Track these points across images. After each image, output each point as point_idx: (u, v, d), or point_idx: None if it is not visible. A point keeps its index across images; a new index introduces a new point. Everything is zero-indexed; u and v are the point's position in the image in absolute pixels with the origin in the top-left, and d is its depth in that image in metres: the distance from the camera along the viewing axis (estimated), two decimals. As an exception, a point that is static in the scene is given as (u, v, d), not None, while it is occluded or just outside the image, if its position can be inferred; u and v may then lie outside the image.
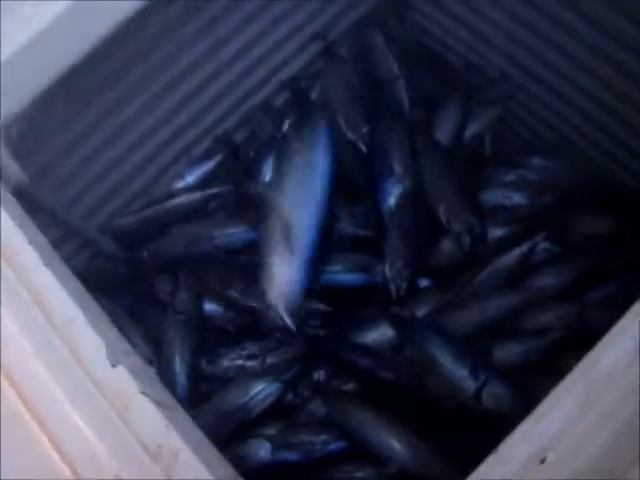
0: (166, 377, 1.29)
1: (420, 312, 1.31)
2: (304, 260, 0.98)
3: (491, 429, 0.80)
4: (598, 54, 1.31)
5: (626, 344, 0.65)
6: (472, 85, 1.58)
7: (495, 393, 1.16)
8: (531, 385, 1.11)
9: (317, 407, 1.27)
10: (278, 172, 0.97)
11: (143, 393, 0.70)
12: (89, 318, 0.74)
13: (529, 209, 1.41)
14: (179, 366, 1.31)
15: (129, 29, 0.98)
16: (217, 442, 0.79)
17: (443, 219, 1.34)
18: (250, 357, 1.32)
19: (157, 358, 1.34)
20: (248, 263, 1.41)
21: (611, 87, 1.33)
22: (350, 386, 1.29)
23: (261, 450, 1.21)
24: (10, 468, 0.67)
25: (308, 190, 0.99)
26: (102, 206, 1.46)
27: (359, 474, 1.19)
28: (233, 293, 1.38)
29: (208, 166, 1.57)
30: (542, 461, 0.61)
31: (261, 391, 1.25)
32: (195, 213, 1.52)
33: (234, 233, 1.43)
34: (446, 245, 1.36)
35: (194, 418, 0.79)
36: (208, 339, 1.38)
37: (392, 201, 1.36)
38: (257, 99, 1.60)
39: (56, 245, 0.89)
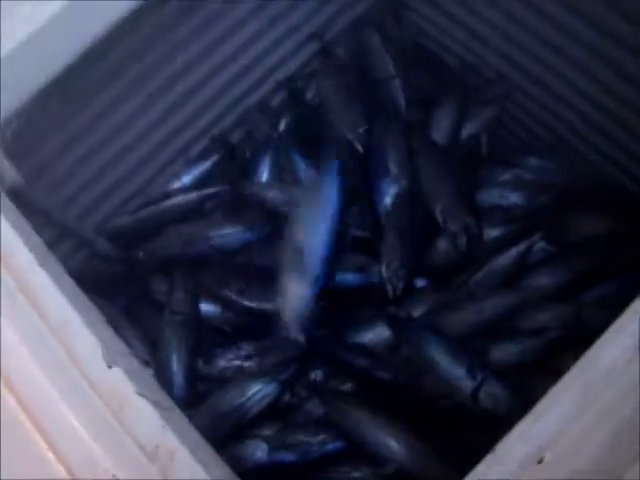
0: (163, 378, 1.29)
1: (416, 312, 1.31)
2: (314, 281, 1.09)
3: (488, 429, 0.81)
4: (595, 54, 1.31)
5: (624, 343, 0.65)
6: (468, 85, 1.58)
7: (492, 393, 1.16)
8: (528, 385, 1.11)
9: (314, 407, 1.27)
10: (293, 204, 1.12)
11: (139, 394, 0.70)
12: (85, 319, 0.74)
13: (526, 209, 1.41)
14: (176, 366, 1.31)
15: (124, 29, 0.98)
16: (214, 443, 0.79)
17: (439, 219, 1.34)
18: (247, 357, 1.32)
19: (153, 359, 1.34)
20: (244, 263, 1.41)
21: (611, 89, 1.34)
22: (347, 386, 1.29)
23: (258, 450, 1.21)
24: (6, 469, 0.67)
25: (319, 221, 1.11)
26: (98, 206, 1.46)
27: (356, 474, 1.19)
28: (229, 293, 1.37)
29: (204, 166, 1.57)
30: (540, 461, 0.61)
31: (258, 391, 1.25)
32: (191, 213, 1.52)
33: (230, 233, 1.43)
34: (442, 245, 1.36)
35: (191, 419, 0.79)
36: (205, 339, 1.38)
37: (388, 201, 1.36)
38: (253, 99, 1.60)
39: (51, 246, 0.88)
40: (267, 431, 1.24)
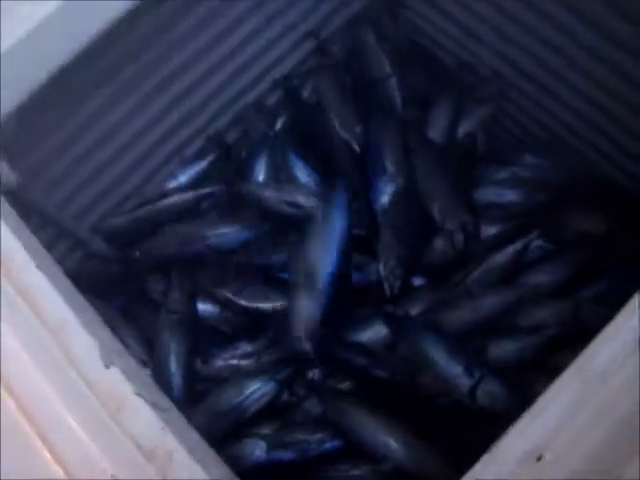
0: (160, 377, 1.28)
1: (414, 311, 1.31)
2: (323, 300, 1.19)
3: (486, 426, 0.80)
4: (590, 52, 1.31)
5: (622, 340, 0.65)
6: (464, 83, 1.58)
7: (490, 391, 1.16)
8: (526, 382, 1.11)
9: (313, 406, 1.27)
10: (305, 233, 1.25)
11: (137, 394, 0.69)
12: (82, 319, 0.74)
13: (522, 207, 1.41)
14: (173, 366, 1.31)
15: (120, 29, 0.98)
16: (213, 442, 0.79)
17: (436, 217, 1.34)
18: (245, 356, 1.32)
19: (151, 358, 1.33)
20: (241, 263, 1.41)
21: (605, 86, 1.34)
22: (345, 385, 1.29)
23: (257, 449, 1.21)
24: (4, 469, 0.66)
25: (328, 247, 1.23)
26: (94, 206, 1.46)
27: (355, 472, 1.19)
28: (226, 293, 1.37)
29: (200, 166, 1.57)
30: (538, 459, 0.61)
31: (256, 390, 1.25)
32: (187, 213, 1.51)
33: (227, 233, 1.43)
34: (439, 243, 1.36)
35: (189, 418, 0.79)
36: (202, 339, 1.38)
37: (385, 200, 1.36)
38: (250, 98, 1.60)
39: (48, 246, 0.88)
40: (265, 430, 1.24)
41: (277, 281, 1.38)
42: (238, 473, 0.77)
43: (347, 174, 1.44)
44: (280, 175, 1.51)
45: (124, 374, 0.71)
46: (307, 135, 1.56)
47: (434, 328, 1.26)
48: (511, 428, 0.64)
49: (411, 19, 1.64)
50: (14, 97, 0.93)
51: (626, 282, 0.71)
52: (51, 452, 0.67)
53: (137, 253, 1.46)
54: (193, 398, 1.29)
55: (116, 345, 0.81)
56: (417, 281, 1.39)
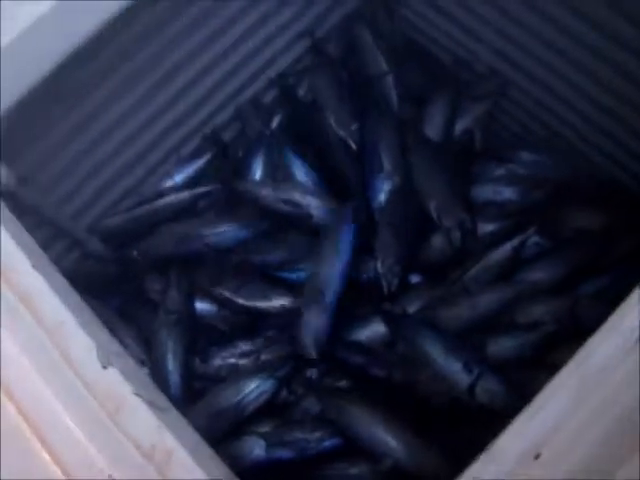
0: (158, 377, 1.28)
1: (411, 308, 1.32)
2: (330, 314, 1.27)
3: (485, 424, 0.80)
4: (590, 49, 1.30)
5: (619, 337, 0.65)
6: (461, 81, 1.57)
7: (489, 388, 1.16)
8: (524, 380, 1.11)
9: (311, 404, 1.27)
10: (315, 254, 1.33)
11: (135, 394, 0.69)
12: (79, 320, 0.74)
13: (519, 204, 1.41)
14: (171, 366, 1.31)
15: (115, 28, 0.98)
16: (211, 440, 0.79)
17: (434, 215, 1.34)
18: (243, 355, 1.32)
19: (149, 358, 1.33)
20: (239, 262, 1.41)
21: (609, 86, 1.33)
22: (343, 383, 1.29)
23: (256, 448, 1.21)
24: (2, 470, 0.66)
25: (335, 268, 1.30)
26: (91, 206, 1.46)
27: (353, 470, 1.19)
28: (224, 292, 1.37)
29: (197, 165, 1.57)
30: (536, 457, 0.61)
31: (255, 389, 1.25)
32: (184, 212, 1.51)
33: (225, 231, 1.43)
34: (437, 241, 1.36)
35: (187, 417, 0.79)
36: (200, 337, 1.38)
37: (382, 197, 1.37)
38: (245, 96, 1.59)
39: (45, 246, 0.88)
40: (264, 428, 1.24)
41: (275, 280, 1.38)
42: (237, 471, 0.76)
43: (344, 172, 1.45)
44: (277, 173, 1.51)
45: (122, 374, 0.71)
46: (303, 133, 1.56)
47: (432, 325, 1.26)
48: (509, 426, 0.64)
49: (406, 16, 1.63)
50: (11, 95, 0.93)
51: (626, 281, 0.71)
52: (50, 453, 0.67)
53: (134, 253, 1.46)
54: (191, 397, 1.29)
55: (114, 345, 0.81)
56: (415, 278, 1.40)
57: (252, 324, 1.39)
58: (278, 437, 1.22)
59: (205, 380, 1.33)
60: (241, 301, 1.36)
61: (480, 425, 0.98)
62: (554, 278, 1.31)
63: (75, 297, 0.83)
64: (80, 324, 0.74)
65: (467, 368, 1.17)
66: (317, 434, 1.21)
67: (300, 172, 1.48)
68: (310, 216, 1.39)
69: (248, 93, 1.60)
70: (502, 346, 1.25)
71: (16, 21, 0.90)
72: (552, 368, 0.66)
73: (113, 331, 0.84)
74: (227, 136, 1.62)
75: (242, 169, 1.54)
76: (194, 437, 0.77)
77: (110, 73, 1.29)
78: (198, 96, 1.50)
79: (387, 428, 1.17)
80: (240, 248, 1.42)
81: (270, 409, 1.27)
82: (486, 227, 1.36)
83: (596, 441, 0.62)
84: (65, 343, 0.72)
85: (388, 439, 1.15)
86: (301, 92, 1.64)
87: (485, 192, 1.42)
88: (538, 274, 1.33)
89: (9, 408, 0.69)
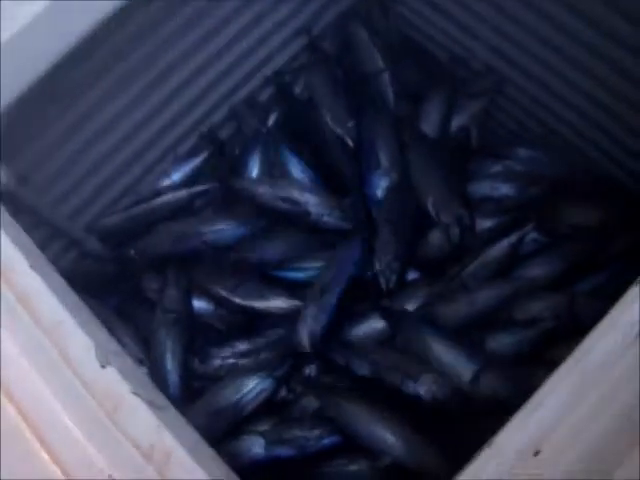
0: (157, 376, 1.28)
1: (410, 305, 1.31)
2: (330, 314, 1.28)
3: (485, 420, 0.80)
4: (586, 46, 1.30)
5: (619, 333, 0.65)
6: (457, 78, 1.57)
7: (493, 377, 1.16)
8: (523, 376, 1.11)
9: (309, 402, 1.27)
10: (328, 258, 1.37)
11: (134, 393, 0.69)
12: (77, 319, 0.74)
13: (517, 200, 1.41)
14: (170, 365, 1.30)
15: (110, 28, 0.98)
16: (210, 439, 0.79)
17: (432, 211, 1.34)
18: (243, 355, 1.32)
19: (147, 357, 1.33)
20: (237, 260, 1.41)
21: (605, 83, 1.33)
22: (341, 380, 1.29)
23: (255, 446, 1.21)
24: (1, 471, 0.66)
25: (340, 274, 1.32)
26: (88, 206, 1.45)
27: (353, 467, 1.19)
28: (221, 291, 1.37)
29: (194, 163, 1.57)
30: (536, 453, 0.61)
31: (254, 387, 1.25)
32: (181, 211, 1.51)
33: (223, 229, 1.43)
34: (435, 237, 1.36)
35: (186, 416, 0.79)
36: (198, 336, 1.38)
37: (379, 194, 1.36)
38: (241, 95, 1.59)
39: (42, 246, 0.88)
40: (263, 426, 1.24)
41: (272, 279, 1.38)
42: (236, 469, 0.76)
43: (340, 169, 1.45)
44: (274, 171, 1.51)
45: (121, 373, 0.71)
46: (300, 131, 1.56)
47: (431, 320, 1.27)
48: (508, 423, 0.64)
49: (402, 13, 1.63)
50: (10, 92, 0.93)
51: (624, 277, 0.71)
52: (49, 453, 0.67)
53: (132, 252, 1.46)
54: (190, 396, 1.29)
55: (112, 344, 0.81)
56: (413, 275, 1.39)
57: (249, 323, 1.39)
58: (277, 435, 1.22)
59: (204, 380, 1.33)
60: (238, 300, 1.36)
61: (479, 422, 0.99)
62: (552, 274, 1.31)
63: (73, 297, 0.83)
64: (78, 323, 0.73)
65: (471, 358, 1.18)
66: (316, 432, 1.21)
67: (297, 170, 1.48)
68: (308, 213, 1.39)
69: (244, 91, 1.59)
70: (500, 342, 1.25)
71: (13, 20, 0.90)
72: (550, 364, 0.66)
73: (111, 330, 0.84)
74: (224, 134, 1.62)
75: (239, 167, 1.54)
76: (193, 436, 0.77)
77: (105, 73, 1.29)
78: (194, 95, 1.50)
79: (386, 425, 1.17)
80: (237, 246, 1.42)
81: (269, 407, 1.27)
82: (484, 223, 1.37)
83: (596, 437, 0.62)
84: (63, 342, 0.72)
85: (387, 436, 1.15)
86: (297, 90, 1.63)
87: (482, 188, 1.43)
88: (536, 270, 1.33)
89: (8, 408, 0.69)
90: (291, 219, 1.42)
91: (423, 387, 1.17)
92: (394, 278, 1.30)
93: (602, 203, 1.39)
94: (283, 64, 1.62)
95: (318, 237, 1.42)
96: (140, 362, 1.31)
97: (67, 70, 0.97)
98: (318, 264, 1.36)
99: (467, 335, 1.26)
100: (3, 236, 0.79)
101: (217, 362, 1.32)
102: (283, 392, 1.29)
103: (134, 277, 1.46)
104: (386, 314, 1.30)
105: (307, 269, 1.38)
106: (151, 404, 0.69)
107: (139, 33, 1.27)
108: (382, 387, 1.23)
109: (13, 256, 0.77)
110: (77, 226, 1.44)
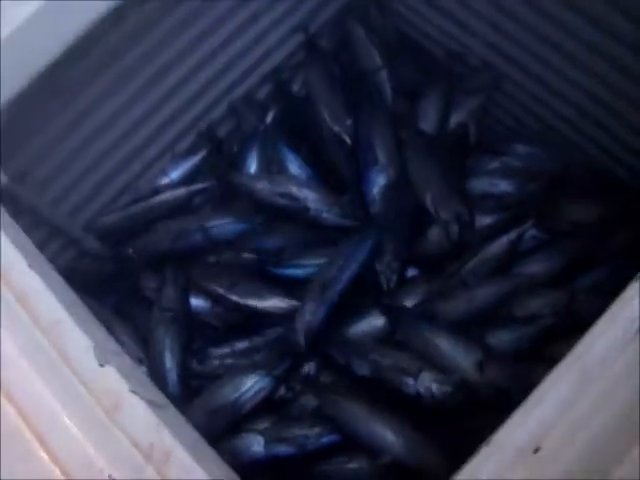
0: (156, 375, 1.28)
1: (409, 302, 1.31)
2: (328, 311, 1.27)
3: (484, 418, 0.80)
4: (584, 43, 1.30)
5: (619, 329, 0.65)
6: (454, 74, 1.57)
7: (497, 366, 1.16)
8: (522, 373, 1.11)
9: (308, 401, 1.27)
10: (331, 255, 1.34)
11: (133, 392, 0.69)
12: (76, 318, 0.74)
13: (516, 197, 1.41)
14: (169, 363, 1.30)
15: (106, 27, 0.98)
16: (210, 438, 0.78)
17: (430, 208, 1.34)
18: (241, 354, 1.32)
19: (146, 356, 1.33)
20: (234, 258, 1.41)
21: (605, 80, 1.33)
22: (340, 378, 1.29)
23: (254, 444, 1.21)
24: (1, 471, 0.66)
25: (344, 272, 1.30)
26: (86, 204, 1.45)
27: (352, 465, 1.20)
28: (218, 289, 1.37)
29: (192, 161, 1.57)
30: (536, 451, 0.61)
31: (253, 386, 1.25)
32: (180, 209, 1.51)
33: (222, 224, 1.43)
34: (434, 234, 1.36)
35: (185, 414, 0.79)
36: (196, 335, 1.38)
37: (377, 191, 1.36)
38: (239, 92, 1.59)
39: (41, 245, 0.88)
40: (263, 425, 1.24)
41: (270, 278, 1.38)
42: (236, 468, 0.76)
43: (338, 166, 1.44)
44: (272, 168, 1.51)
45: (119, 372, 0.70)
46: (298, 128, 1.56)
47: (431, 317, 1.27)
48: (508, 420, 0.64)
49: (399, 10, 1.63)
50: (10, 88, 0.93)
51: (623, 273, 0.71)
52: (48, 453, 0.67)
53: (130, 251, 1.46)
54: (189, 395, 1.29)
55: (111, 343, 0.81)
56: (412, 272, 1.39)
57: (246, 321, 1.39)
58: (276, 433, 1.22)
59: (203, 379, 1.33)
60: (235, 298, 1.36)
61: (479, 419, 0.99)
62: (551, 271, 1.31)
63: (71, 296, 0.83)
64: (77, 322, 0.73)
65: (474, 347, 1.19)
66: (315, 430, 1.21)
67: (294, 167, 1.48)
68: (307, 209, 1.39)
69: (242, 89, 1.59)
70: (500, 339, 1.25)
71: (10, 19, 0.90)
72: (550, 361, 0.66)
73: (110, 329, 0.84)
74: (222, 131, 1.62)
75: (237, 164, 1.53)
76: (193, 435, 0.77)
77: (102, 71, 1.28)
78: (192, 93, 1.50)
79: (385, 422, 1.17)
80: (235, 243, 1.41)
81: (268, 406, 1.27)
82: (483, 220, 1.36)
83: (596, 434, 0.62)
84: (62, 342, 0.72)
85: (386, 434, 1.15)
86: (295, 87, 1.64)
87: (481, 184, 1.42)
88: (535, 267, 1.33)
89: (8, 408, 0.69)
90: (290, 215, 1.41)
91: (422, 385, 1.17)
92: (395, 278, 1.31)
93: (601, 199, 1.39)
94: (281, 61, 1.62)
95: (317, 232, 1.42)
96: (139, 361, 1.31)
97: (65, 68, 0.97)
98: (317, 261, 1.36)
99: (466, 332, 1.26)
100: (3, 237, 0.78)
101: (216, 361, 1.32)
102: (282, 390, 1.29)
103: (132, 276, 1.46)
104: (385, 310, 1.30)
105: (306, 266, 1.37)
106: (150, 403, 0.69)
107: (133, 33, 1.27)
108: (381, 385, 1.23)
109: (13, 256, 0.77)
110: (76, 225, 1.43)
